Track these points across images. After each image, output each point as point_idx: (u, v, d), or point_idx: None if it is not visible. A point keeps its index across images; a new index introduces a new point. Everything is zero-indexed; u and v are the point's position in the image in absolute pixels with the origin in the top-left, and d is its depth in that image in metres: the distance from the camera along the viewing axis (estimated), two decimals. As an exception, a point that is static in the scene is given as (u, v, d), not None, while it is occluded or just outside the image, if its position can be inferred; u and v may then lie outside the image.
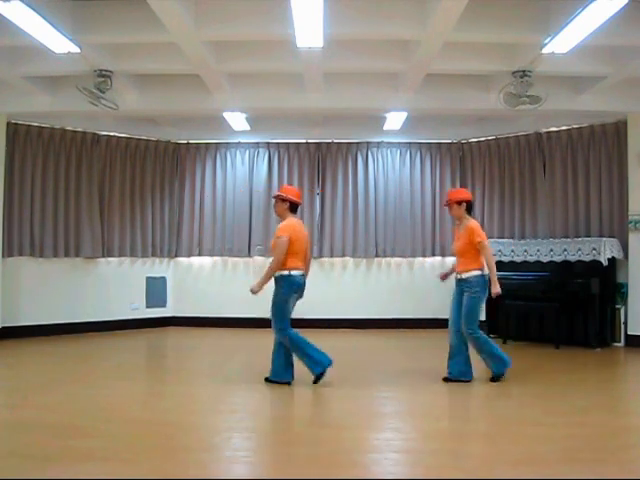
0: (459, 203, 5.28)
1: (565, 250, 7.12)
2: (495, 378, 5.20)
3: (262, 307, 8.64)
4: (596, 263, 6.84)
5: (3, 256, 7.34)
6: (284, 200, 5.16)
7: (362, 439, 3.75)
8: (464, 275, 5.15)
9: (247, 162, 8.85)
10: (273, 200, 5.35)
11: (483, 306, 5.30)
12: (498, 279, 7.63)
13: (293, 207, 5.19)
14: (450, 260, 8.74)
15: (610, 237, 7.08)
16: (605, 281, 6.86)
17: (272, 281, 5.05)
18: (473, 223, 5.25)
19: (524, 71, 6.13)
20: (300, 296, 5.14)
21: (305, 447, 3.50)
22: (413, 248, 8.68)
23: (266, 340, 7.38)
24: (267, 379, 5.17)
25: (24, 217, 7.53)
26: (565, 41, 5.19)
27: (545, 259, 7.29)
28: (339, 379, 5.38)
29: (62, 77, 6.72)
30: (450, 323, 5.30)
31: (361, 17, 5.24)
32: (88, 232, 8.00)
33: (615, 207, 7.25)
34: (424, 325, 8.52)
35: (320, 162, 8.81)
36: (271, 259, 5.03)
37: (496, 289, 5.06)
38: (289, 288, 5.01)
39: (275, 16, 5.11)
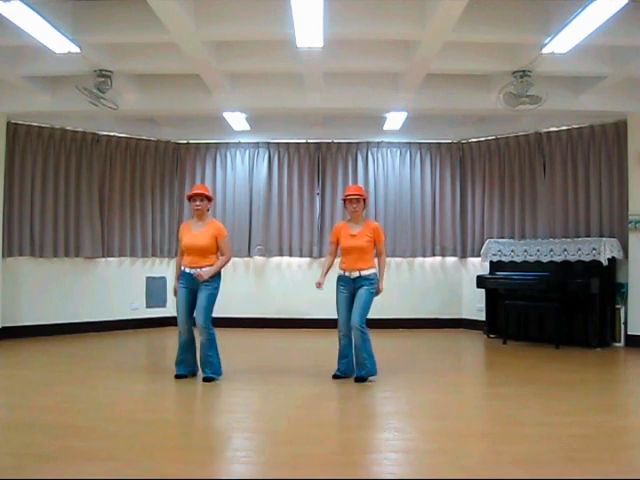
0: (364, 200, 5.35)
1: (565, 250, 7.13)
2: (364, 379, 5.15)
3: (261, 307, 8.65)
4: (596, 263, 6.84)
5: (3, 256, 7.34)
6: (210, 199, 5.38)
7: (362, 439, 3.75)
8: (364, 272, 5.17)
9: (247, 162, 8.85)
10: (199, 201, 5.26)
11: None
12: (500, 278, 7.73)
13: None
14: (451, 260, 8.78)
15: (610, 237, 7.08)
16: (605, 281, 6.86)
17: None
18: (377, 222, 5.55)
19: (524, 71, 6.13)
20: None
21: (305, 447, 3.50)
22: (413, 248, 8.67)
23: (266, 340, 7.38)
24: (209, 379, 5.17)
25: (24, 217, 7.52)
26: (565, 41, 5.19)
27: (545, 259, 7.30)
28: (339, 379, 5.38)
29: (62, 77, 6.72)
30: (343, 322, 5.24)
31: (361, 17, 5.24)
32: (88, 232, 7.99)
33: (615, 207, 7.25)
34: (423, 325, 8.53)
35: (320, 162, 8.81)
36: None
37: (382, 286, 5.28)
38: (220, 284, 5.31)
39: (275, 16, 5.11)
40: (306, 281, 8.78)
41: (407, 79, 6.50)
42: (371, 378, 5.19)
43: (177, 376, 5.26)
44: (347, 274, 5.23)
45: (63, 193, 7.83)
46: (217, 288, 5.22)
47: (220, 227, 5.30)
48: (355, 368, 5.25)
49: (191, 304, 5.21)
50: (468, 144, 8.67)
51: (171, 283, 8.81)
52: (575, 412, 4.27)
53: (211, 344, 5.19)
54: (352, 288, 5.21)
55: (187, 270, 5.21)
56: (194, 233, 5.24)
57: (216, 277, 5.22)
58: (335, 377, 5.29)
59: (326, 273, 5.42)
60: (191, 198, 5.30)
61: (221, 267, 5.25)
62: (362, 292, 5.15)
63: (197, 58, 5.80)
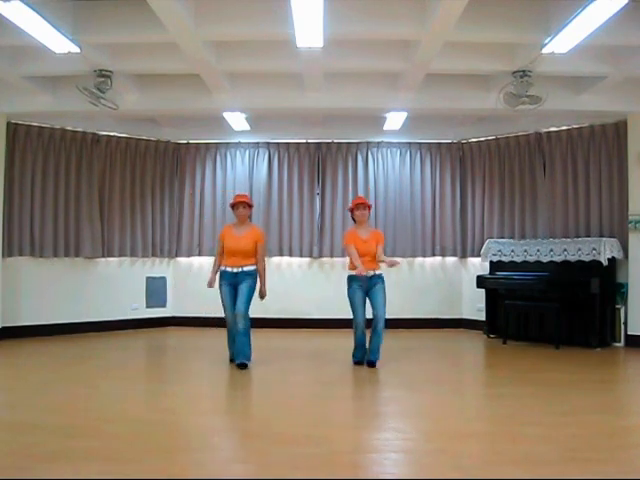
0: (369, 209, 6.03)
1: (565, 250, 7.13)
2: (374, 364, 5.76)
3: (261, 307, 8.62)
4: (596, 263, 6.84)
5: (3, 256, 7.34)
6: (251, 206, 6.02)
7: (362, 439, 3.75)
8: (378, 271, 5.83)
9: (247, 162, 8.85)
10: (242, 208, 5.88)
11: None
12: (500, 278, 7.74)
13: None
14: (451, 260, 8.78)
15: (610, 237, 7.08)
16: (605, 281, 6.86)
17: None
18: (379, 230, 6.50)
19: (524, 71, 6.13)
20: None
21: (305, 447, 3.50)
22: (413, 248, 8.67)
23: (266, 340, 7.37)
24: (244, 365, 5.67)
25: (24, 217, 7.52)
26: (565, 41, 5.20)
27: (545, 259, 7.30)
28: (339, 379, 5.38)
29: (62, 77, 6.73)
30: (363, 319, 5.78)
31: (361, 17, 5.24)
32: (88, 232, 7.99)
33: (615, 207, 7.25)
34: (423, 325, 8.53)
35: (320, 162, 8.81)
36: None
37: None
38: (257, 280, 5.94)
39: (275, 16, 5.11)
40: (306, 281, 8.81)
41: (407, 79, 6.50)
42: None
43: (242, 365, 5.68)
44: (366, 273, 5.68)
45: (63, 193, 7.83)
46: (255, 283, 5.83)
47: (261, 233, 5.98)
48: (369, 353, 5.78)
49: (234, 298, 5.76)
50: (468, 144, 8.67)
51: (171, 282, 8.90)
52: (575, 412, 4.28)
53: (247, 331, 5.71)
54: (367, 286, 5.77)
55: (228, 269, 5.78)
56: (236, 237, 5.82)
57: (255, 275, 5.83)
58: (359, 363, 5.86)
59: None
60: (234, 206, 5.90)
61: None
62: (379, 289, 5.78)
63: (197, 58, 5.80)
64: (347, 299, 5.83)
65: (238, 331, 5.67)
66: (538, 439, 3.58)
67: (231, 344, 5.90)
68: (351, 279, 5.82)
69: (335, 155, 8.80)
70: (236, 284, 5.76)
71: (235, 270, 5.75)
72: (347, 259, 6.00)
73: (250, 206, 5.97)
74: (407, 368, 5.94)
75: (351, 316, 5.85)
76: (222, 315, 6.03)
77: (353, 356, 5.94)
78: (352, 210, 6.01)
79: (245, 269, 5.76)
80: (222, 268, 5.85)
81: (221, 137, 8.79)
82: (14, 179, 7.44)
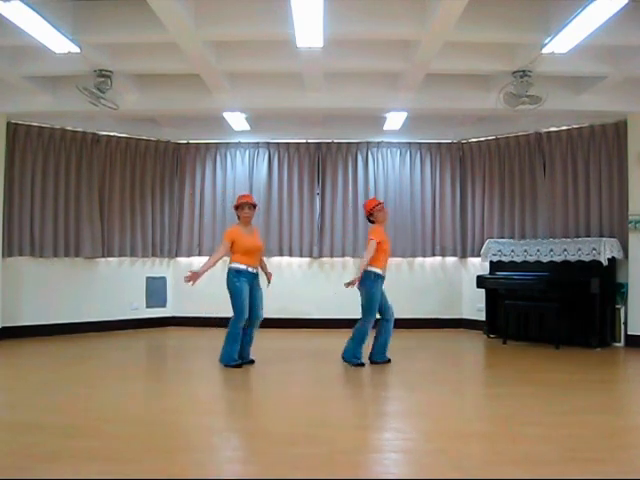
0: None
1: (565, 250, 7.13)
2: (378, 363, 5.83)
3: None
4: (596, 263, 6.84)
5: (3, 256, 7.34)
6: (256, 207, 5.97)
7: (362, 439, 3.75)
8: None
9: (247, 162, 8.85)
10: (247, 208, 5.85)
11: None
12: (500, 278, 7.69)
13: None
14: (451, 260, 8.78)
15: (610, 237, 7.08)
16: (605, 281, 6.86)
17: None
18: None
19: (524, 71, 6.13)
20: None
21: (305, 447, 3.50)
22: (413, 248, 8.67)
23: (266, 340, 7.38)
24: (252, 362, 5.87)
25: (24, 217, 7.53)
26: (565, 41, 5.20)
27: (545, 259, 7.30)
28: (339, 379, 5.38)
29: (62, 77, 6.73)
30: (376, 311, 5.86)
31: (361, 17, 5.24)
32: (88, 232, 7.99)
33: (615, 207, 7.25)
34: (424, 325, 8.52)
35: (320, 162, 8.81)
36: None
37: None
38: None
39: (275, 16, 5.11)
40: (306, 281, 8.81)
41: (407, 79, 6.50)
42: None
43: (240, 365, 5.72)
44: (384, 273, 5.83)
45: (63, 193, 7.83)
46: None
47: (257, 231, 6.08)
48: (375, 353, 5.87)
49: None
50: (468, 144, 8.67)
51: (171, 282, 8.89)
52: (575, 412, 4.28)
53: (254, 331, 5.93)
54: (382, 283, 5.88)
55: (250, 269, 5.77)
56: (251, 237, 5.84)
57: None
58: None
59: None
60: (239, 206, 5.83)
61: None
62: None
63: (197, 58, 5.80)
64: (369, 297, 5.75)
65: (254, 331, 5.87)
66: (538, 439, 3.58)
67: (238, 345, 5.73)
68: (377, 276, 5.76)
69: (335, 155, 8.80)
70: (253, 285, 5.84)
71: (255, 271, 5.84)
72: (367, 255, 5.68)
73: (255, 206, 5.93)
74: (407, 368, 5.94)
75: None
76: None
77: (356, 357, 5.75)
78: (378, 211, 5.89)
79: (258, 269, 5.91)
80: (241, 267, 5.67)
81: (221, 137, 8.79)
82: (14, 179, 7.44)
